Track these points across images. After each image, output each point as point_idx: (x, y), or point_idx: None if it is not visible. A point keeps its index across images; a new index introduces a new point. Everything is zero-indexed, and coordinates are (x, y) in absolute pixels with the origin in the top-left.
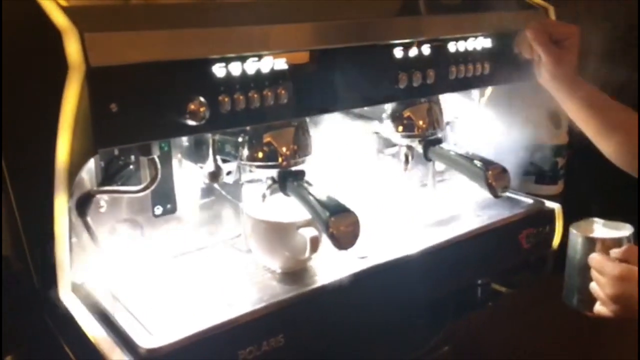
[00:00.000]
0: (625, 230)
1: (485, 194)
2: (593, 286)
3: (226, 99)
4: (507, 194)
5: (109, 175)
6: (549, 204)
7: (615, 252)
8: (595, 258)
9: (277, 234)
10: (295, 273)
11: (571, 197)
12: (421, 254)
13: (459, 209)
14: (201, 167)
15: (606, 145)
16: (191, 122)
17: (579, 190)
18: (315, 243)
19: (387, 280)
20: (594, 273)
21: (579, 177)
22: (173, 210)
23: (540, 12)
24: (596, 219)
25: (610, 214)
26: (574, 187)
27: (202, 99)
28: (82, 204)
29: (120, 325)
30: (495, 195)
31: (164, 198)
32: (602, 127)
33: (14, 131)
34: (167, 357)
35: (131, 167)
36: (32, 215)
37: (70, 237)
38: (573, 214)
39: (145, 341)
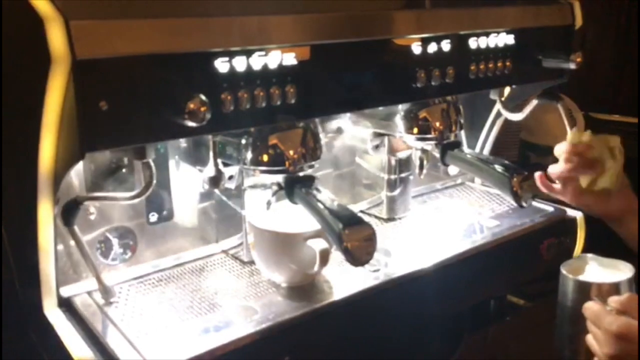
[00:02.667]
0: (624, 272)
1: (503, 201)
2: (589, 339)
3: (229, 98)
4: None
5: (100, 180)
6: (571, 212)
7: (613, 301)
8: (590, 308)
9: (283, 245)
10: (302, 288)
11: None
12: (438, 266)
13: (476, 217)
14: (200, 171)
15: None
16: (190, 123)
17: None
18: (325, 256)
19: (402, 295)
20: (589, 325)
21: None
22: (169, 217)
23: (565, 6)
24: (590, 255)
25: None
26: None
27: (202, 97)
28: (68, 212)
29: (109, 345)
30: (520, 205)
31: (160, 204)
32: None
33: None
34: None
35: (124, 170)
36: (16, 223)
37: (56, 247)
38: (592, 221)
39: None
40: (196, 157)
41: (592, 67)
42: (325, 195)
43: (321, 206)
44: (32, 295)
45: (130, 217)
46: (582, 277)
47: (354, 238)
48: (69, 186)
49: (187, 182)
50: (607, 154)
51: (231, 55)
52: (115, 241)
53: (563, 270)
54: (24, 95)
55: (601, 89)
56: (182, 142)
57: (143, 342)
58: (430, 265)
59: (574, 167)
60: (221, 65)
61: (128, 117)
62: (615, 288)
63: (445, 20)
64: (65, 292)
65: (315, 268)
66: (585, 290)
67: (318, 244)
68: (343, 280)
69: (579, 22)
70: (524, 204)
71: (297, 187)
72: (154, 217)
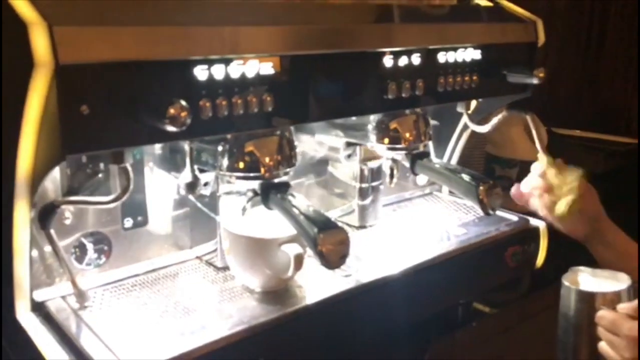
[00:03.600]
0: (622, 281)
1: (469, 211)
2: (603, 347)
3: (207, 104)
4: None
5: (76, 185)
6: (534, 221)
7: (624, 308)
8: (605, 317)
9: (258, 250)
10: (276, 292)
11: None
12: (408, 272)
13: (443, 225)
14: (176, 177)
15: None
16: (171, 128)
17: None
18: (299, 261)
19: (373, 300)
20: (604, 333)
21: None
22: (144, 223)
23: (529, 24)
24: (582, 268)
25: None
26: None
27: (183, 102)
28: (45, 215)
29: (84, 349)
30: (486, 213)
31: (135, 210)
32: None
33: None
34: None
35: (100, 175)
36: None
37: (31, 251)
38: (555, 230)
39: None
40: (172, 164)
41: (554, 84)
42: (300, 201)
43: (296, 211)
44: (4, 299)
45: (105, 222)
46: (585, 288)
47: (329, 242)
48: (45, 191)
49: (162, 188)
50: (564, 182)
51: (210, 63)
52: (90, 246)
53: (565, 282)
54: (6, 98)
55: (563, 105)
56: (158, 149)
57: (119, 345)
58: (400, 271)
59: (535, 188)
60: (200, 73)
61: (109, 122)
62: (618, 296)
63: (415, 35)
64: (38, 296)
65: (290, 273)
66: (589, 301)
67: (292, 249)
68: (316, 285)
69: (541, 39)
70: (490, 212)
71: (272, 193)
72: (129, 222)
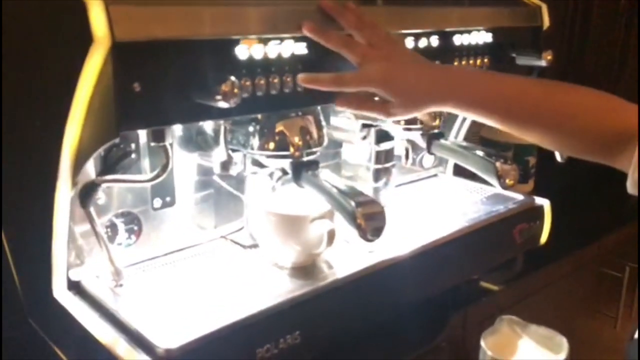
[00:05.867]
0: (556, 350)
1: (476, 190)
2: None
3: (262, 81)
4: (495, 191)
5: (109, 165)
6: (539, 200)
7: None
8: None
9: (291, 227)
10: (305, 268)
11: (541, 195)
12: (428, 248)
13: (454, 204)
14: (205, 159)
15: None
16: (223, 104)
17: (548, 189)
18: (332, 236)
19: (398, 275)
20: None
21: (549, 176)
22: (172, 203)
23: (534, 10)
24: (516, 319)
25: (582, 212)
26: (544, 185)
27: (234, 79)
28: (86, 194)
29: (130, 324)
30: (504, 187)
31: (163, 190)
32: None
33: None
34: (186, 356)
35: (132, 155)
36: (21, 204)
37: (69, 230)
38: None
39: (162, 341)
40: (196, 145)
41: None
42: (332, 177)
43: (331, 187)
44: (39, 279)
45: (136, 202)
46: (504, 355)
47: (366, 215)
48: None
49: (188, 170)
50: None
51: (265, 42)
52: (121, 226)
53: (483, 344)
54: (60, 74)
55: None
56: (180, 131)
57: (160, 319)
58: (421, 246)
59: None
60: (250, 51)
61: (159, 99)
62: None
63: (428, 18)
64: (73, 275)
65: (322, 248)
66: None
67: (325, 225)
68: (342, 260)
69: (546, 23)
70: (507, 186)
71: (303, 171)
72: (158, 202)
